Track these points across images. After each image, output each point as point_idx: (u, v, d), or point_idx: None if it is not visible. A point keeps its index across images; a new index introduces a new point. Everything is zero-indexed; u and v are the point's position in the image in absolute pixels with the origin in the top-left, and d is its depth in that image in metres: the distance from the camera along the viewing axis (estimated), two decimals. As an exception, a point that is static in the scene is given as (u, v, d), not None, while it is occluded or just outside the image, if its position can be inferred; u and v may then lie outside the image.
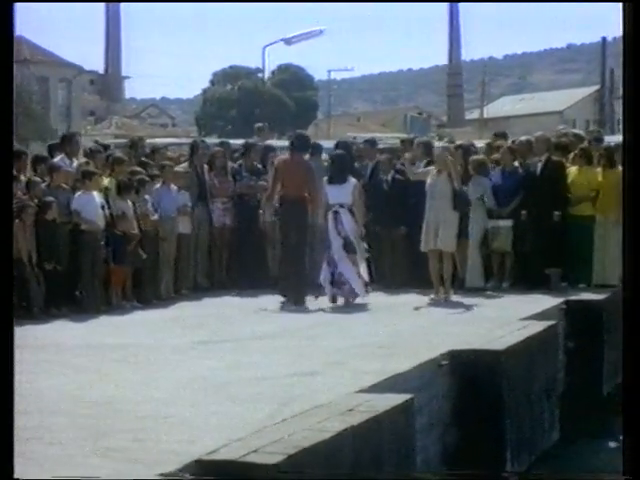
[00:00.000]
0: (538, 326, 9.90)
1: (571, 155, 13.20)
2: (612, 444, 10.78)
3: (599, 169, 12.85)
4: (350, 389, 7.13)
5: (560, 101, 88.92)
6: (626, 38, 6.51)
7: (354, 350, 8.82)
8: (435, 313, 11.33)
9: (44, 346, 9.19)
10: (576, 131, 14.52)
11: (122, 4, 72.61)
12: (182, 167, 14.00)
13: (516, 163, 13.16)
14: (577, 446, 10.31)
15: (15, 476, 4.83)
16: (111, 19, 71.52)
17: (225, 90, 69.75)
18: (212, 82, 71.74)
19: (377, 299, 12.47)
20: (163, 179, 13.25)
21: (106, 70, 72.71)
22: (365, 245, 12.51)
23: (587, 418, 11.15)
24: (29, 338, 9.12)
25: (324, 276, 12.23)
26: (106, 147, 14.22)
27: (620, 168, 12.78)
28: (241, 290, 13.24)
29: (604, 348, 11.83)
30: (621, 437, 10.83)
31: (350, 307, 11.96)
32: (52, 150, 12.93)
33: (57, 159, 12.36)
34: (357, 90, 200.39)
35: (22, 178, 11.66)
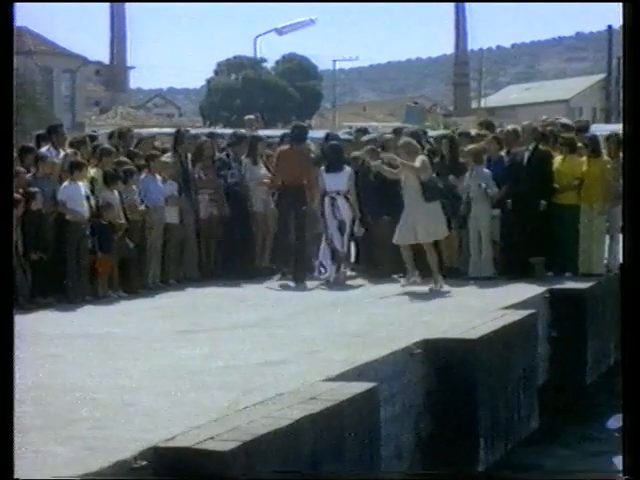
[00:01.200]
0: (516, 315, 9.94)
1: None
2: (593, 433, 10.89)
3: (584, 158, 12.86)
4: (318, 378, 7.20)
5: (567, 89, 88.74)
6: (626, 38, 6.56)
7: (330, 339, 8.89)
8: (416, 302, 11.37)
9: (23, 336, 9.22)
10: (563, 120, 14.48)
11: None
12: (166, 157, 13.94)
13: (502, 152, 13.18)
14: (556, 435, 10.37)
15: (15, 476, 4.92)
16: (116, 10, 71.45)
17: (229, 80, 69.70)
18: (216, 72, 71.69)
19: (361, 288, 12.58)
20: (150, 169, 13.29)
21: (111, 60, 72.66)
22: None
23: (569, 407, 11.23)
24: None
25: (323, 254, 13.28)
26: (93, 138, 14.26)
27: (605, 157, 12.85)
28: (230, 280, 13.31)
29: (587, 337, 11.89)
30: (603, 424, 11.01)
31: (333, 295, 12.17)
32: (39, 140, 12.98)
33: (43, 149, 12.42)
34: (365, 80, 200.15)
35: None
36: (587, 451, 10.21)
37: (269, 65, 72.15)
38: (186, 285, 13.07)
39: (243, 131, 16.13)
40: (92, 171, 12.68)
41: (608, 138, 12.97)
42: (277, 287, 13.11)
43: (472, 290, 12.18)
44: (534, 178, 12.76)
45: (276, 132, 23.07)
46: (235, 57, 71.23)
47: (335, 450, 6.39)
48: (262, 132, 18.53)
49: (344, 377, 7.27)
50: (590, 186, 12.69)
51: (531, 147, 12.97)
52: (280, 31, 31.17)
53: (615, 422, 10.61)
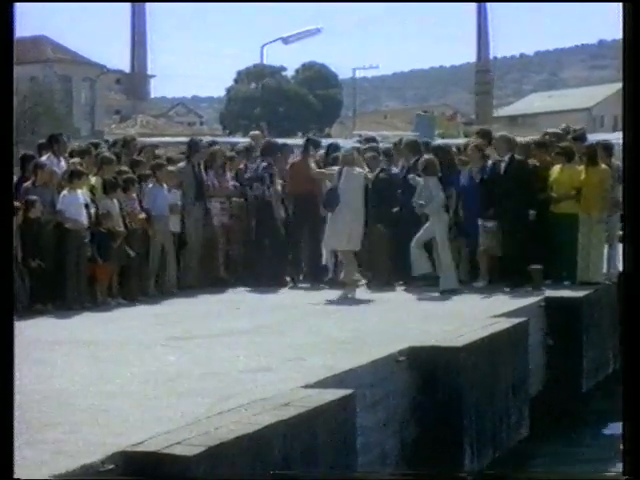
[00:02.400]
0: (505, 323, 9.98)
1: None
2: (586, 440, 10.91)
3: (582, 167, 12.88)
4: (298, 384, 7.27)
5: (589, 97, 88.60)
6: (626, 38, 6.60)
7: (318, 346, 8.95)
8: (410, 309, 11.44)
9: (17, 341, 9.34)
10: (558, 130, 14.50)
11: (147, 4, 72.99)
12: (180, 165, 14.12)
13: (490, 162, 13.27)
14: (548, 442, 10.40)
15: (15, 476, 5.02)
16: (137, 18, 71.95)
17: (249, 89, 70.02)
18: (236, 81, 72.05)
19: (358, 295, 12.67)
20: (156, 178, 13.42)
21: (132, 69, 73.16)
22: None
23: (564, 414, 11.24)
24: (4, 334, 9.30)
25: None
26: (97, 146, 14.39)
27: (603, 166, 12.86)
28: (240, 287, 13.58)
29: (583, 345, 11.90)
30: (597, 432, 11.03)
31: (328, 303, 12.27)
32: (40, 149, 13.14)
33: (44, 158, 12.57)
34: (388, 88, 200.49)
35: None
36: (579, 459, 10.22)
37: (289, 73, 72.48)
38: (192, 292, 13.12)
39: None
40: (93, 179, 12.83)
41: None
42: (279, 294, 13.21)
43: (467, 298, 12.23)
44: (512, 188, 12.79)
45: (296, 141, 23.31)
46: (255, 65, 71.52)
47: (307, 456, 6.46)
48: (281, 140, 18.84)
49: (323, 384, 7.34)
50: (588, 195, 12.71)
51: (507, 157, 13.03)
52: (286, 40, 31.27)
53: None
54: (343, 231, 12.60)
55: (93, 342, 9.48)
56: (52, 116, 42.52)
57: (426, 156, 13.17)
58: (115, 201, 12.51)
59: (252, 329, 10.14)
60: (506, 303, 11.58)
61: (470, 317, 10.48)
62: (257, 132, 18.27)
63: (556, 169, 13.01)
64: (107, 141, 21.13)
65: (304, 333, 9.79)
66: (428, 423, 8.67)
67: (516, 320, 10.13)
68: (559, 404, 11.36)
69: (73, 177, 12.07)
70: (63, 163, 12.71)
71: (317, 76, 70.90)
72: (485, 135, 14.11)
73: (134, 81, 72.40)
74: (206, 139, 17.27)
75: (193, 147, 14.51)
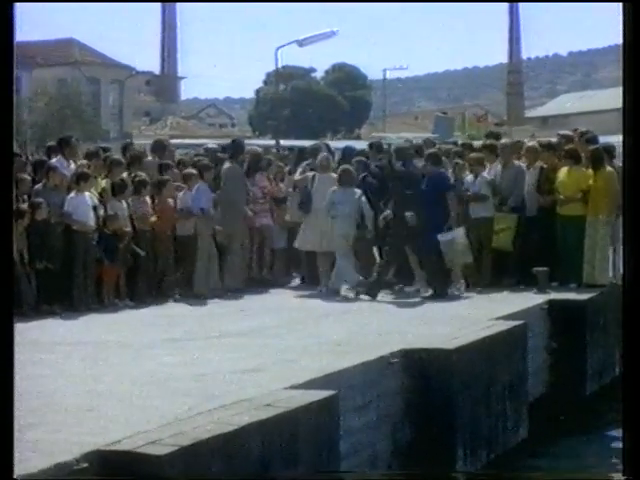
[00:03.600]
0: (502, 326, 10.02)
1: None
2: (586, 443, 10.91)
3: (589, 170, 12.88)
4: (285, 385, 7.35)
5: (621, 98, 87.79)
6: (626, 38, 6.63)
7: (312, 348, 9.03)
8: (409, 312, 11.51)
9: (19, 343, 9.49)
10: (569, 132, 14.50)
11: (178, 4, 73.35)
12: (225, 167, 14.11)
13: (499, 166, 13.37)
14: (547, 444, 10.42)
15: (15, 476, 5.13)
16: (167, 20, 72.34)
17: (278, 90, 70.12)
18: (265, 82, 72.21)
19: (364, 297, 12.76)
20: (202, 178, 13.53)
21: (162, 71, 73.57)
22: None
23: (565, 417, 11.25)
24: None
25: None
26: (105, 149, 14.55)
27: (609, 168, 12.85)
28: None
29: (587, 348, 11.91)
30: (599, 434, 11.02)
31: (336, 304, 12.44)
32: (50, 152, 13.32)
33: (54, 161, 12.73)
34: (422, 88, 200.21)
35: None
36: (577, 462, 10.25)
37: (318, 75, 72.58)
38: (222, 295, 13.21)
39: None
40: (103, 182, 13.00)
41: None
42: (290, 295, 13.33)
43: (470, 300, 12.28)
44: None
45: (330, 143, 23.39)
46: (284, 67, 71.59)
47: (288, 456, 6.54)
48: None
49: (310, 385, 7.41)
50: (595, 197, 12.71)
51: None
52: (301, 43, 31.39)
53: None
54: (316, 233, 12.78)
55: (93, 343, 9.62)
56: (79, 118, 42.88)
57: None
58: (124, 203, 12.65)
59: (252, 331, 10.24)
60: (509, 305, 11.59)
61: (470, 320, 10.52)
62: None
63: (563, 171, 13.02)
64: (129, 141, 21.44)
65: (302, 335, 9.87)
66: (421, 425, 8.73)
67: (513, 323, 10.16)
68: (561, 407, 11.38)
69: (80, 179, 12.22)
70: (73, 166, 12.85)
71: (346, 77, 70.96)
72: (496, 137, 14.23)
73: (164, 83, 72.81)
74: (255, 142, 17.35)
75: (237, 148, 14.59)
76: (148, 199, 13.13)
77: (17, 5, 5.92)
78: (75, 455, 5.62)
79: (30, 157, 15.67)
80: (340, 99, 68.34)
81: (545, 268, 12.64)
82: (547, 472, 9.95)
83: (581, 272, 12.86)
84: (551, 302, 11.87)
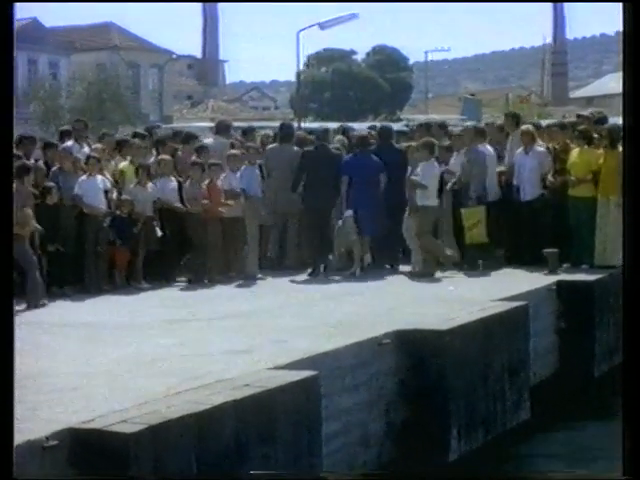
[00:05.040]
0: (502, 307, 10.02)
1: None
2: (589, 425, 10.90)
3: (601, 150, 12.81)
4: (271, 366, 7.45)
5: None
6: (626, 38, 6.65)
7: (306, 329, 9.09)
8: (412, 293, 11.55)
9: (22, 324, 9.71)
10: (580, 112, 14.42)
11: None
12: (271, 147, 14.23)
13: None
14: (549, 426, 10.44)
15: (14, 476, 5.26)
16: (208, 4, 72.51)
17: (319, 73, 70.14)
18: (307, 65, 72.14)
19: (370, 279, 12.86)
20: (250, 161, 13.56)
21: (203, 54, 73.82)
22: None
23: (571, 399, 11.24)
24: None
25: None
26: (137, 135, 14.68)
27: (621, 149, 12.76)
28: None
29: (595, 329, 11.87)
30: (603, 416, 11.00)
31: (334, 287, 12.54)
32: (63, 136, 13.49)
33: (67, 144, 12.91)
34: (468, 70, 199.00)
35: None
36: (577, 443, 10.25)
37: (359, 57, 72.41)
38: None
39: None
40: (121, 164, 13.16)
41: None
42: (300, 278, 13.42)
43: (476, 281, 12.32)
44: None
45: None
46: (325, 49, 71.64)
47: (265, 436, 6.63)
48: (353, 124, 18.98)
49: (296, 366, 7.49)
50: (607, 178, 12.64)
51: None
52: (322, 26, 31.40)
53: None
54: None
55: (95, 324, 9.77)
56: (118, 102, 43.20)
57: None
58: (149, 187, 12.77)
59: (252, 312, 10.33)
60: (517, 286, 11.57)
61: (470, 301, 10.54)
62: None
63: (575, 152, 12.97)
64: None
65: (299, 316, 9.95)
66: (415, 405, 8.79)
67: (513, 304, 10.16)
68: (568, 388, 11.37)
69: (88, 162, 12.38)
70: (86, 149, 13.03)
71: (387, 59, 70.70)
72: (514, 117, 14.26)
73: (206, 66, 73.06)
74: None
75: (285, 130, 14.58)
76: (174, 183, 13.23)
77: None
78: (47, 433, 5.76)
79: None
80: (381, 81, 68.12)
81: (555, 249, 12.60)
82: (547, 472, 9.93)
83: (593, 253, 12.80)
84: (559, 283, 11.83)
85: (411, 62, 78.32)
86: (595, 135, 12.99)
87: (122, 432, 5.71)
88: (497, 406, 9.64)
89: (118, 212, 12.43)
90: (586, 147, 12.90)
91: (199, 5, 72.95)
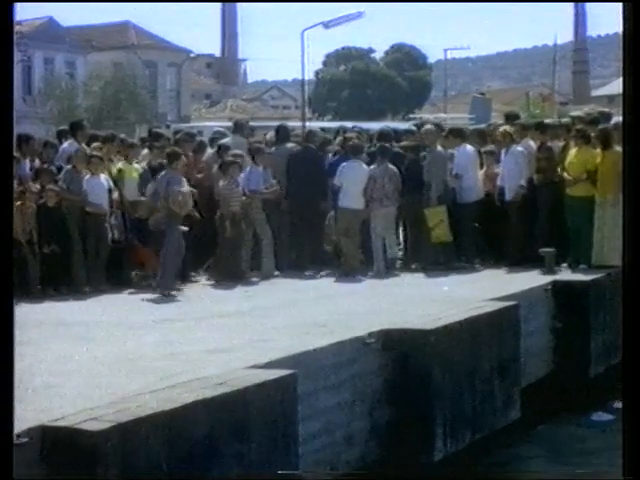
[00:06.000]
0: (492, 306, 10.03)
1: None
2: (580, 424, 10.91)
3: (598, 150, 12.80)
4: (249, 364, 7.49)
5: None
6: (626, 38, 6.65)
7: (292, 328, 9.12)
8: (407, 292, 11.57)
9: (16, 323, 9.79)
10: (577, 113, 14.42)
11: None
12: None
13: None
14: (539, 425, 10.46)
15: (14, 476, 5.34)
16: (227, 3, 72.60)
17: (337, 71, 70.17)
18: (325, 63, 72.28)
19: (371, 278, 12.96)
20: (254, 161, 13.56)
21: (222, 53, 73.93)
22: None
23: (565, 398, 11.24)
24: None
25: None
26: (151, 133, 14.86)
27: (617, 148, 12.73)
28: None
29: (591, 329, 11.85)
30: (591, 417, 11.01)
31: (331, 286, 12.61)
32: (61, 136, 13.58)
33: (65, 144, 13.01)
34: (492, 67, 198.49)
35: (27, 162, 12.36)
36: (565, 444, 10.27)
37: (378, 55, 72.40)
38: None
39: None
40: (119, 164, 13.26)
41: None
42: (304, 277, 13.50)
43: (472, 279, 12.34)
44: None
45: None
46: (343, 48, 71.67)
47: (239, 435, 6.67)
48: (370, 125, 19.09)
49: (276, 365, 7.53)
50: (603, 177, 12.61)
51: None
52: (327, 24, 31.45)
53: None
54: None
55: (87, 323, 9.85)
56: (135, 102, 43.37)
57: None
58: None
59: (242, 312, 10.39)
60: (513, 286, 11.57)
61: (462, 300, 10.54)
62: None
63: (572, 152, 12.96)
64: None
65: (288, 316, 9.97)
66: (400, 405, 8.81)
67: (503, 304, 10.16)
68: (563, 388, 11.37)
69: (91, 162, 12.47)
70: (85, 149, 13.09)
71: (406, 58, 70.66)
72: (512, 118, 14.35)
73: (225, 65, 73.16)
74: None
75: (310, 134, 14.79)
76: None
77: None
78: (17, 430, 5.82)
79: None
80: (399, 80, 68.09)
81: (552, 249, 12.59)
82: (547, 472, 9.94)
83: (590, 253, 12.78)
84: (555, 283, 11.82)
85: (433, 60, 78.32)
86: (592, 134, 12.95)
87: (90, 430, 5.77)
88: (485, 406, 9.65)
89: (136, 215, 12.49)
90: (584, 147, 12.86)
91: (218, 5, 73.06)
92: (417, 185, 13.49)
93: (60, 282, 11.96)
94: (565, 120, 13.85)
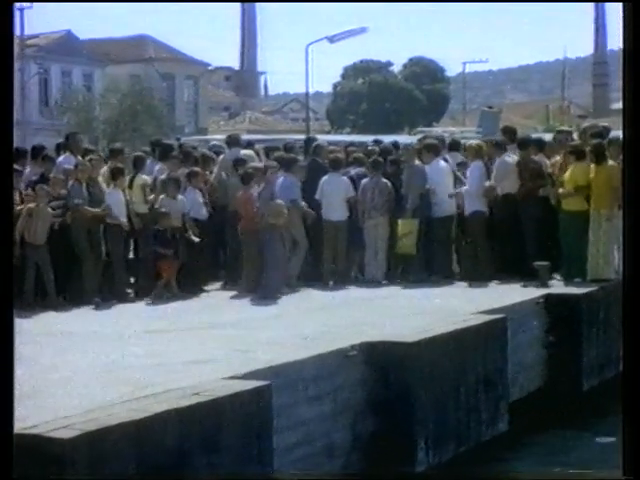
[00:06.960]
0: (479, 319, 10.10)
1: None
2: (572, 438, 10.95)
3: (592, 165, 12.87)
4: (225, 375, 7.60)
5: None
6: (626, 38, 6.75)
7: (278, 340, 9.22)
8: (398, 304, 11.67)
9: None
10: (565, 128, 14.55)
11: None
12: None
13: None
14: (526, 438, 10.52)
15: (14, 476, 5.51)
16: (247, 16, 73.00)
17: (356, 84, 70.31)
18: (343, 76, 72.39)
19: (370, 290, 13.07)
20: (290, 171, 13.66)
21: (241, 66, 74.28)
22: None
23: (557, 412, 11.28)
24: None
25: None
26: (161, 144, 15.05)
27: (611, 163, 12.81)
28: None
29: (583, 342, 11.90)
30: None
31: (329, 297, 12.75)
32: (58, 149, 13.80)
33: (62, 157, 13.22)
34: (513, 80, 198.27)
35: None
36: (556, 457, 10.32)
37: (396, 69, 72.48)
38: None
39: None
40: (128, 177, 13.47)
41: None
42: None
43: (465, 293, 12.44)
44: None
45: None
46: (362, 61, 71.80)
47: (211, 445, 6.77)
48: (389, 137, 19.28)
49: (254, 376, 7.63)
50: (597, 192, 12.69)
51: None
52: (332, 39, 31.64)
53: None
54: None
55: (78, 334, 10.01)
56: (152, 114, 43.64)
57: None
58: (180, 198, 13.00)
59: (232, 323, 10.52)
60: (505, 299, 11.64)
61: (451, 312, 10.63)
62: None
63: (570, 167, 13.02)
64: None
65: (278, 328, 10.09)
66: (382, 416, 8.90)
67: (490, 317, 10.24)
68: (554, 402, 11.42)
69: (115, 175, 12.68)
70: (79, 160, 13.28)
71: (424, 71, 70.69)
72: (509, 132, 14.44)
73: (244, 78, 73.50)
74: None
75: (317, 148, 14.78)
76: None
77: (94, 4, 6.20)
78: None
79: (102, 153, 15.67)
80: (417, 93, 68.13)
81: (546, 262, 12.66)
82: (547, 472, 10.00)
83: (585, 267, 12.84)
84: (548, 296, 11.89)
85: (453, 74, 78.41)
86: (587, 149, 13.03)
87: (59, 437, 5.90)
88: (470, 418, 9.72)
89: (157, 226, 12.70)
90: (578, 162, 12.94)
91: (238, 18, 73.50)
92: (396, 199, 13.75)
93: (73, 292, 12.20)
94: (558, 136, 13.94)
